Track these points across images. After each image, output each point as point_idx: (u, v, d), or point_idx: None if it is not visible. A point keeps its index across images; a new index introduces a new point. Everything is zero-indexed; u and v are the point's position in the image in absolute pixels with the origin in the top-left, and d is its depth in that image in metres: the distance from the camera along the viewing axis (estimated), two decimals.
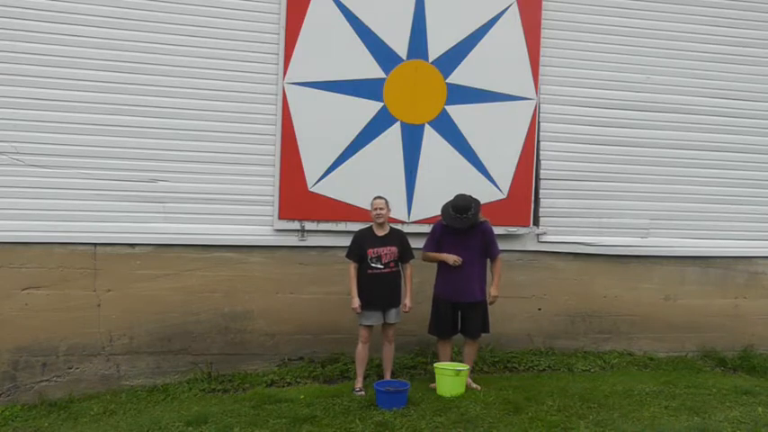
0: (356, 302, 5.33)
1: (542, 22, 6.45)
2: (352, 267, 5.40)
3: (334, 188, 6.12)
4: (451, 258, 5.38)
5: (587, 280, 6.72)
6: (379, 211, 5.41)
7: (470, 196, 5.47)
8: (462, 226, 5.37)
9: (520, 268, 6.54)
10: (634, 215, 6.78)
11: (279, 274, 6.11)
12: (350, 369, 5.84)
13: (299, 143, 6.05)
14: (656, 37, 6.73)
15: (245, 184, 6.01)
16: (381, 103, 6.19)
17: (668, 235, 6.86)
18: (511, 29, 6.39)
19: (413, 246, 5.62)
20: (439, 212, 5.66)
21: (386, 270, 5.40)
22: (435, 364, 5.37)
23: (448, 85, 6.31)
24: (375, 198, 5.47)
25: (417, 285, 5.61)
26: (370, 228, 5.48)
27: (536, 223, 6.55)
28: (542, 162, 6.55)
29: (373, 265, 5.37)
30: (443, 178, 6.00)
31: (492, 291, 5.50)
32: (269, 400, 5.15)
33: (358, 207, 5.99)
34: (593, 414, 4.80)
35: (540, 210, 6.56)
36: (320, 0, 6.05)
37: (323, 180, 6.12)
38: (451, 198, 5.49)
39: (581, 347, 6.69)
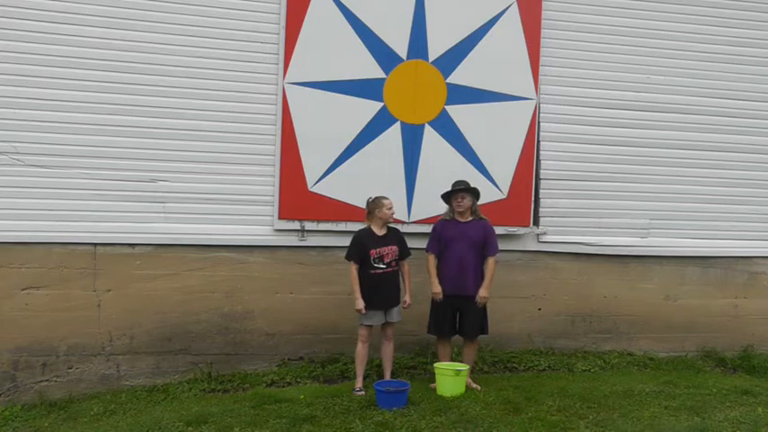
0: (361, 304, 5.32)
1: (542, 22, 6.45)
2: (353, 268, 5.39)
3: (334, 188, 6.12)
4: (435, 293, 5.50)
5: (587, 280, 6.72)
6: (393, 210, 5.44)
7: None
8: (462, 187, 5.48)
9: (520, 268, 6.55)
10: (634, 215, 6.78)
11: (279, 274, 6.11)
12: (350, 369, 5.84)
13: (298, 143, 6.06)
14: (656, 37, 6.73)
15: (245, 184, 6.01)
16: (381, 103, 6.19)
17: (668, 235, 6.86)
18: (511, 29, 6.39)
19: (413, 246, 5.65)
20: (439, 213, 5.80)
21: (388, 270, 5.41)
22: (435, 364, 5.37)
23: (448, 85, 6.31)
24: (384, 198, 5.45)
25: (417, 285, 5.61)
26: (370, 228, 5.48)
27: (536, 223, 6.55)
28: (542, 162, 6.55)
29: (376, 265, 5.37)
30: (443, 178, 5.95)
31: (481, 291, 5.47)
32: (269, 400, 5.15)
33: (358, 207, 5.98)
34: (593, 414, 4.80)
35: (540, 210, 6.56)
36: (320, 0, 6.05)
37: (323, 180, 6.12)
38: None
39: (581, 347, 6.69)
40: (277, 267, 6.12)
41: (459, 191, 5.51)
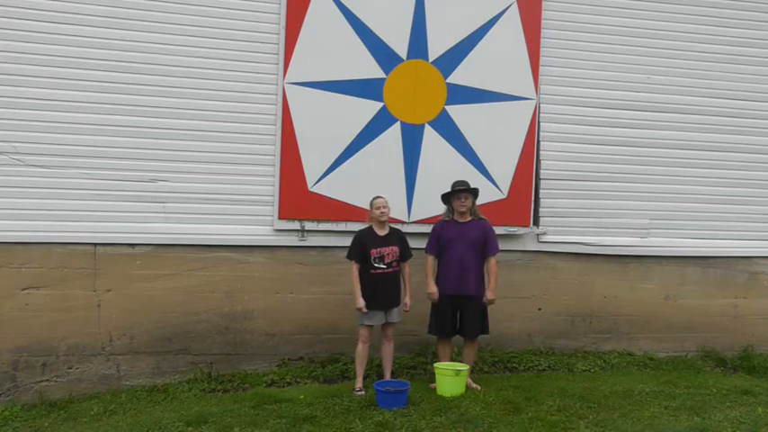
0: (361, 303, 5.32)
1: (542, 22, 6.45)
2: (354, 268, 5.39)
3: (334, 188, 6.12)
4: (430, 293, 5.52)
5: (587, 280, 6.72)
6: (382, 210, 5.42)
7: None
8: (463, 187, 5.49)
9: (520, 268, 6.54)
10: (634, 215, 6.78)
11: (279, 274, 6.11)
12: (350, 369, 5.85)
13: (299, 143, 6.06)
14: (656, 37, 6.73)
15: (245, 184, 6.01)
16: (381, 103, 6.19)
17: (668, 235, 6.86)
18: (511, 29, 6.39)
19: (413, 246, 5.64)
20: (438, 213, 5.79)
21: (389, 270, 5.40)
22: (435, 364, 5.37)
23: (448, 85, 6.31)
24: (376, 198, 5.47)
25: (417, 285, 5.61)
26: (371, 228, 5.48)
27: (536, 223, 6.55)
28: (542, 162, 6.55)
29: (376, 265, 5.37)
30: (443, 178, 5.95)
31: (488, 294, 5.49)
32: (269, 400, 5.15)
33: (358, 207, 5.99)
34: (593, 414, 4.80)
35: (540, 210, 6.56)
36: (320, 0, 6.06)
37: (323, 180, 6.12)
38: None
39: (581, 347, 6.69)
40: (277, 267, 6.12)
41: (462, 191, 5.51)
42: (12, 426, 5.16)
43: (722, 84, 6.89)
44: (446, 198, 5.63)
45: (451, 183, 5.60)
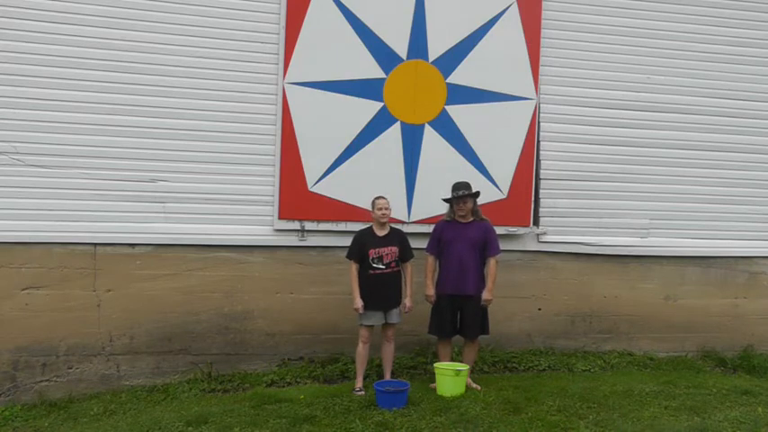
0: (359, 303, 5.33)
1: (542, 22, 6.45)
2: (353, 268, 5.40)
3: (334, 188, 6.12)
4: (427, 295, 5.54)
5: (587, 280, 6.72)
6: (384, 211, 5.42)
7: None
8: (465, 190, 5.45)
9: (520, 268, 6.54)
10: (634, 215, 6.78)
11: (279, 274, 6.11)
12: (350, 369, 5.85)
13: (299, 143, 6.06)
14: (656, 37, 6.74)
15: (245, 184, 6.01)
16: (381, 103, 6.19)
17: (668, 235, 6.86)
18: (511, 29, 6.39)
19: (413, 246, 5.63)
20: (438, 212, 5.82)
21: (387, 270, 5.40)
22: (435, 364, 5.37)
23: (448, 85, 6.31)
24: (378, 198, 5.47)
25: (418, 285, 5.61)
26: (371, 228, 5.48)
27: (536, 223, 6.55)
28: (542, 162, 6.55)
29: (375, 265, 5.37)
30: (443, 178, 5.96)
31: (485, 294, 5.48)
32: (269, 400, 5.15)
33: (358, 207, 6.00)
34: (593, 414, 4.80)
35: (540, 210, 6.56)
36: (320, 0, 6.06)
37: (323, 180, 6.12)
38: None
39: (581, 347, 6.69)
40: (277, 267, 6.12)
41: (460, 197, 5.48)
42: (12, 426, 5.16)
43: (722, 84, 6.89)
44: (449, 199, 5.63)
45: (451, 183, 5.58)
